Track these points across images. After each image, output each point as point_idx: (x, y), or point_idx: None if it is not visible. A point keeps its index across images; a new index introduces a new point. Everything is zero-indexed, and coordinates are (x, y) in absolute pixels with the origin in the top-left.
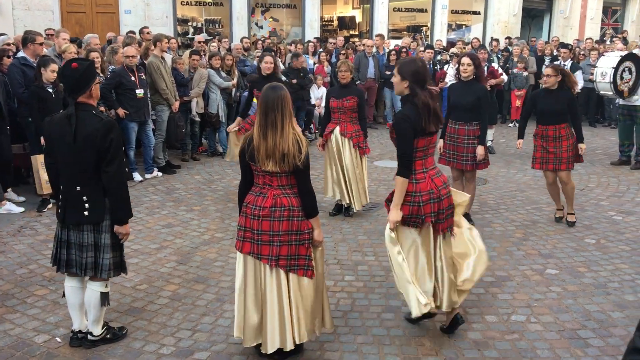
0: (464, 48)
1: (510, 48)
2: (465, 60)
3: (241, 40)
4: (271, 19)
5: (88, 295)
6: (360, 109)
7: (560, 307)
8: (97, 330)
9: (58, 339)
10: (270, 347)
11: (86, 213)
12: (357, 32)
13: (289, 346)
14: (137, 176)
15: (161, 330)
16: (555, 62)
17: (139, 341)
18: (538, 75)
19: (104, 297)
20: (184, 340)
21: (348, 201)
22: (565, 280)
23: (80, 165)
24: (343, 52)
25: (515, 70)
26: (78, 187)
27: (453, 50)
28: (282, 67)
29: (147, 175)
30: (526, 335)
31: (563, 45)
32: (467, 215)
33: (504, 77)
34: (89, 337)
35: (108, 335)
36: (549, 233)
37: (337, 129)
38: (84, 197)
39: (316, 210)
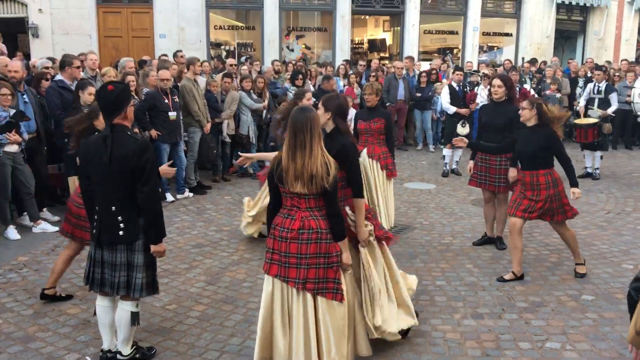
0: (495, 70)
1: (542, 70)
2: (496, 82)
3: (272, 63)
4: (303, 46)
5: (119, 314)
6: (387, 131)
7: (596, 335)
8: (127, 350)
9: (88, 358)
10: None
11: (121, 233)
12: (387, 55)
13: None
14: (169, 196)
15: (189, 350)
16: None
17: None
18: (572, 97)
19: (135, 317)
20: None
21: (388, 225)
22: (602, 306)
23: (116, 186)
24: (373, 74)
25: (547, 92)
26: (113, 207)
27: (484, 71)
28: (312, 89)
29: (179, 196)
30: None
31: (597, 67)
32: (499, 239)
33: None
34: (118, 356)
35: (137, 355)
36: (585, 258)
37: (365, 151)
38: (119, 217)
39: (344, 233)
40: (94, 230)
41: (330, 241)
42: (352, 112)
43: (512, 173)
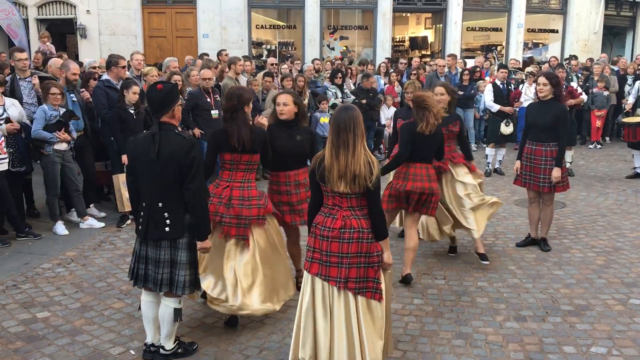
0: (540, 67)
1: (589, 67)
2: (542, 79)
3: (312, 62)
4: (345, 47)
5: (162, 310)
6: None
7: None
8: (169, 345)
9: (132, 352)
10: None
11: (167, 229)
12: (429, 52)
13: None
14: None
15: (230, 346)
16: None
17: (208, 357)
18: (621, 95)
19: (177, 313)
20: (252, 357)
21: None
22: None
23: (163, 182)
24: (414, 72)
25: (595, 90)
26: (160, 204)
27: (529, 69)
28: (352, 87)
29: None
30: None
31: None
32: (544, 241)
33: (584, 96)
34: (161, 351)
35: (179, 350)
36: (633, 261)
37: None
38: (166, 214)
39: (386, 233)
40: (140, 227)
41: (371, 240)
42: (392, 111)
43: (557, 173)
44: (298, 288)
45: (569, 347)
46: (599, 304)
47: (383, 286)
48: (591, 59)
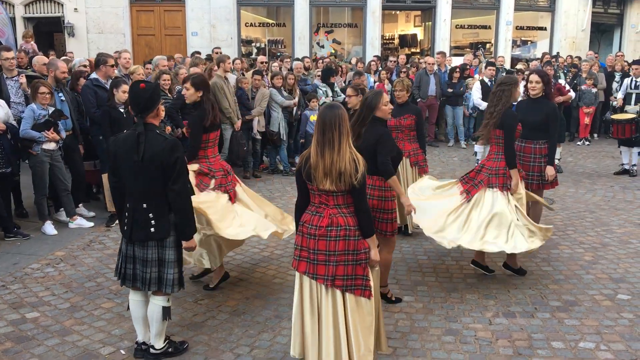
0: (528, 65)
1: (577, 64)
2: (534, 77)
3: (302, 60)
4: (333, 49)
5: (151, 309)
6: (418, 128)
7: (632, 335)
8: (159, 344)
9: (122, 352)
10: None
11: (152, 230)
12: (418, 50)
13: None
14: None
15: (221, 345)
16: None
17: (199, 356)
18: (608, 92)
19: (166, 312)
20: (242, 356)
21: (400, 222)
22: (638, 306)
23: (147, 183)
24: (404, 70)
25: (584, 87)
26: (144, 205)
27: (518, 66)
28: (342, 85)
29: None
30: None
31: (635, 61)
32: None
33: (572, 93)
34: (152, 350)
35: (170, 349)
36: (621, 256)
37: None
38: (150, 214)
39: (372, 230)
40: (125, 227)
41: (358, 238)
42: None
43: (551, 171)
44: (386, 299)
45: (558, 342)
46: (587, 300)
47: (372, 283)
48: (579, 57)
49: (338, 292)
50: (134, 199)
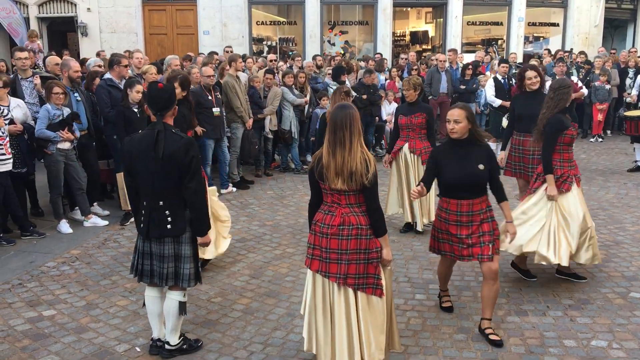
0: (541, 61)
1: (591, 60)
2: (531, 73)
3: (313, 58)
4: (345, 43)
5: (167, 304)
6: (429, 126)
7: None
8: (174, 340)
9: (138, 349)
10: None
11: (169, 226)
12: (429, 47)
13: None
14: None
15: (234, 343)
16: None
17: (213, 353)
18: (622, 88)
19: (182, 307)
20: (256, 354)
21: (410, 220)
22: None
23: (163, 182)
24: (415, 67)
25: (597, 84)
26: (161, 202)
27: (531, 63)
28: (353, 82)
29: (223, 191)
30: None
31: None
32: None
33: (584, 90)
34: (167, 346)
35: (184, 346)
36: (634, 254)
37: (406, 146)
38: (167, 212)
39: (384, 229)
40: (142, 225)
41: (370, 237)
42: (393, 107)
43: (502, 155)
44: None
45: (570, 340)
46: (600, 298)
47: (384, 282)
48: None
49: (350, 291)
50: (150, 197)
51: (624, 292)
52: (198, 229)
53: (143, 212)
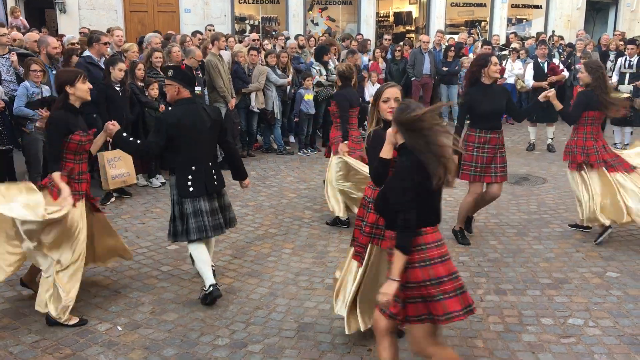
0: (523, 43)
1: (573, 43)
2: (495, 59)
3: (296, 38)
4: (328, 18)
5: (211, 245)
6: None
7: (620, 312)
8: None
9: (119, 327)
10: None
11: (216, 183)
12: (413, 28)
13: None
14: None
15: (216, 322)
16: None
17: (195, 332)
18: None
19: None
20: (238, 332)
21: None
22: (627, 284)
23: (211, 145)
24: (398, 48)
25: (578, 66)
26: (210, 163)
27: (513, 45)
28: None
29: None
30: (583, 340)
31: (630, 40)
32: (468, 220)
33: (565, 73)
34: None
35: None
36: (611, 235)
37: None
38: (213, 170)
39: None
40: (191, 189)
41: None
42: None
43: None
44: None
45: (547, 319)
46: (577, 277)
47: None
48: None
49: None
50: (201, 160)
51: (601, 271)
52: (243, 172)
53: (191, 176)
